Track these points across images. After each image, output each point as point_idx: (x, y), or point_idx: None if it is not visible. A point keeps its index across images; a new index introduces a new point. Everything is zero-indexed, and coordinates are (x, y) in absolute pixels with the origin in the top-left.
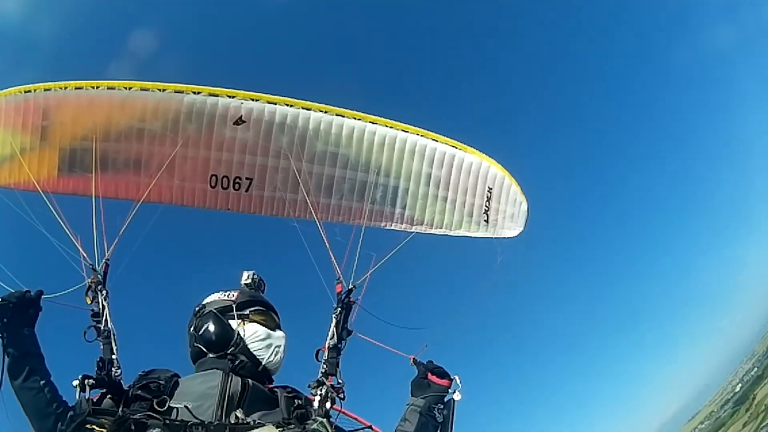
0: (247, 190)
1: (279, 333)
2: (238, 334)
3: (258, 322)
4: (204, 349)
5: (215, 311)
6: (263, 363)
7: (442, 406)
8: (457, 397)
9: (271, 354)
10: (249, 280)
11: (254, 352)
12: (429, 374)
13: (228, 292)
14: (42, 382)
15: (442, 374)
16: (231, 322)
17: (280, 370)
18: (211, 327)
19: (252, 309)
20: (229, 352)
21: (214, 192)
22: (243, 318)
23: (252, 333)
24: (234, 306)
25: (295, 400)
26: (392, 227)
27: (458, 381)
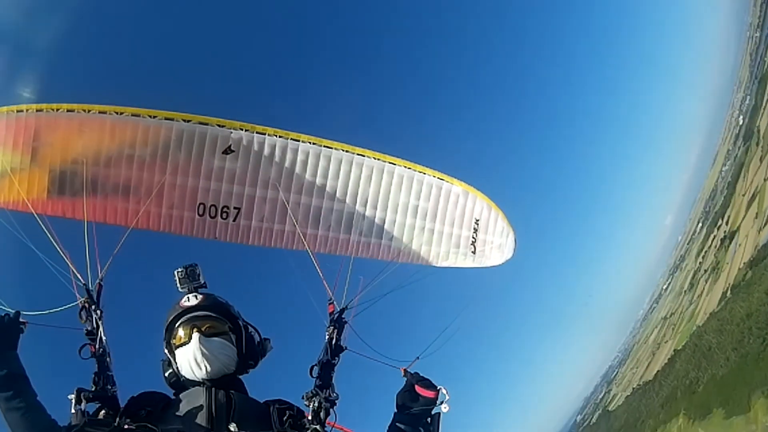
0: (234, 220)
1: (191, 343)
2: (177, 370)
3: (177, 347)
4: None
5: (162, 361)
6: (201, 379)
7: (427, 422)
8: (444, 408)
9: (195, 370)
10: (179, 284)
11: (189, 378)
12: (416, 386)
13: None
14: (29, 402)
15: (429, 386)
16: (171, 360)
17: (230, 363)
18: (164, 374)
19: (171, 338)
20: (182, 386)
21: (201, 220)
22: (173, 352)
23: (178, 364)
24: (165, 346)
25: (287, 412)
26: (380, 258)
27: (445, 392)
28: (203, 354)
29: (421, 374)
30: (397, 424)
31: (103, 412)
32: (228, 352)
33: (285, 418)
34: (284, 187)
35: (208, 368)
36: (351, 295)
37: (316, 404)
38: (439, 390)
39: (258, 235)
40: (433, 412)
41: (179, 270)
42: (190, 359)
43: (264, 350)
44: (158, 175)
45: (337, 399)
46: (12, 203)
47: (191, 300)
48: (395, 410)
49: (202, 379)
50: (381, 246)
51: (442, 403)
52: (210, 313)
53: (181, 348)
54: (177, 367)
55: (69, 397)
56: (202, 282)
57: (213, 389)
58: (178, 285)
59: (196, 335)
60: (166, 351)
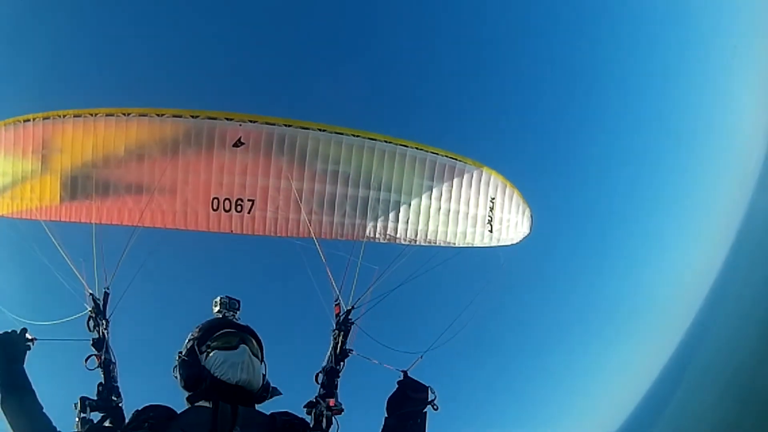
0: (249, 212)
1: (238, 350)
2: (204, 368)
3: (218, 349)
4: (187, 392)
5: (182, 357)
6: (233, 383)
7: (416, 422)
8: (434, 408)
9: (234, 373)
10: (218, 307)
11: (221, 378)
12: (407, 389)
13: (192, 332)
14: (35, 414)
15: (419, 386)
16: (199, 358)
17: (259, 383)
18: (182, 371)
19: (210, 340)
20: (203, 388)
21: (216, 215)
22: (205, 352)
23: (213, 362)
24: (195, 344)
25: (291, 422)
26: (396, 242)
27: (433, 391)
28: (247, 363)
29: (414, 377)
30: (387, 426)
31: (107, 422)
32: (260, 374)
33: (288, 427)
34: (297, 176)
35: (243, 376)
36: (357, 295)
37: (317, 412)
38: (428, 388)
39: (273, 226)
40: (423, 411)
41: (223, 297)
42: (236, 361)
43: (272, 394)
44: (170, 172)
45: (340, 408)
46: (25, 211)
47: (240, 321)
48: (386, 414)
49: (233, 382)
50: (397, 229)
51: (432, 402)
52: (254, 338)
53: (225, 351)
54: (207, 365)
55: (74, 404)
56: (238, 317)
57: (219, 402)
58: (215, 308)
59: (245, 346)
60: (196, 348)
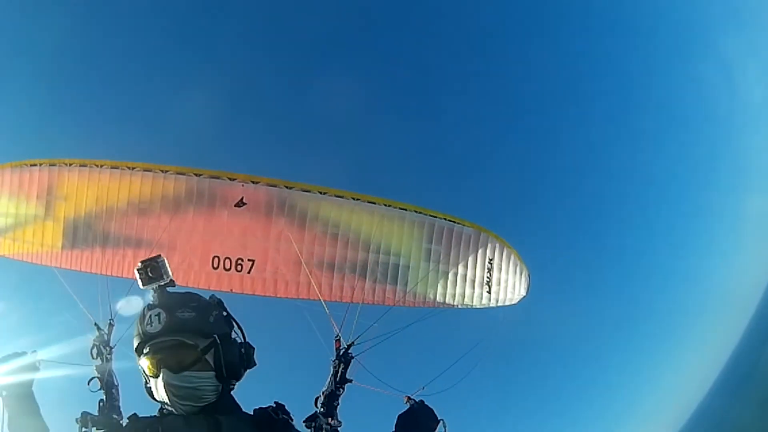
0: (249, 272)
1: (159, 378)
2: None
3: (150, 377)
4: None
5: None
6: (179, 413)
7: None
8: None
9: (171, 407)
10: (139, 282)
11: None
12: (419, 413)
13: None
14: None
15: (431, 416)
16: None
17: (206, 395)
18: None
19: (142, 361)
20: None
21: (216, 273)
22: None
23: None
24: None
25: (271, 416)
26: (395, 304)
27: (445, 425)
28: (174, 393)
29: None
30: None
31: None
32: (203, 383)
33: (266, 416)
34: (297, 238)
35: (183, 406)
36: (359, 331)
37: (317, 427)
38: (441, 421)
39: (273, 286)
40: None
41: (139, 267)
42: (164, 397)
43: (248, 359)
44: (171, 229)
45: (339, 426)
46: (26, 254)
47: (154, 323)
48: (393, 430)
49: (181, 413)
50: (396, 291)
51: None
52: (177, 339)
53: (152, 379)
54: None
55: (76, 419)
56: (168, 280)
57: (192, 417)
58: (140, 284)
59: (163, 372)
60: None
